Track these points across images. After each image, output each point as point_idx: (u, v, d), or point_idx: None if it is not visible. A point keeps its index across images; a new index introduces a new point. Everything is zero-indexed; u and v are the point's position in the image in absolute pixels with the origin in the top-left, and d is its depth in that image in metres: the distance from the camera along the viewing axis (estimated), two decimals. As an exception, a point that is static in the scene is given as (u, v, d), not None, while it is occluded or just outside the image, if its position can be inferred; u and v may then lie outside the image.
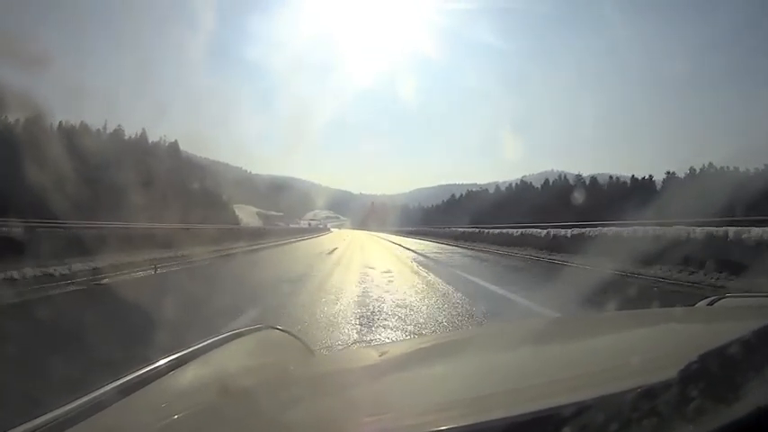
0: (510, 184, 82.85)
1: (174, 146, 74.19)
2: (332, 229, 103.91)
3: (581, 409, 0.45)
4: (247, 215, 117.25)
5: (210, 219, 30.49)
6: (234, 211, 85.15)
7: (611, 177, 71.00)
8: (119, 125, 64.49)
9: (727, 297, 1.37)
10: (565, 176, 74.41)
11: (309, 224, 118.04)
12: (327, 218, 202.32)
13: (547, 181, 73.57)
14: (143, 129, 68.57)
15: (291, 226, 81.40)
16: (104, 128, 61.02)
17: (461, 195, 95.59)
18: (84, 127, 53.61)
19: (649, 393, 0.44)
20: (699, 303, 1.32)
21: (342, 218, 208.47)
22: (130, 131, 66.73)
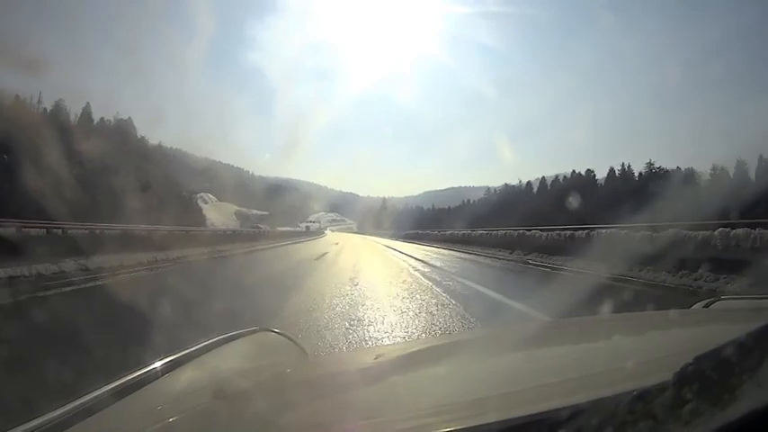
0: (558, 177, 69.88)
1: (126, 125, 57.87)
2: (326, 232, 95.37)
3: (576, 412, 0.44)
4: (222, 214, 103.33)
5: (154, 216, 24.60)
6: (200, 208, 71.59)
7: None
8: (59, 98, 50.54)
9: (723, 299, 1.38)
10: (625, 168, 61.71)
11: (308, 227, 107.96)
12: (333, 221, 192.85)
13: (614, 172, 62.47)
14: (87, 103, 54.69)
15: (281, 229, 70.52)
16: (39, 100, 46.46)
17: (497, 191, 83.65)
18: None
19: (644, 396, 0.44)
20: (694, 305, 1.33)
21: (348, 221, 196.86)
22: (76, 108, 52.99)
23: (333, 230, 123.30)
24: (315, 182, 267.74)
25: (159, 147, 65.27)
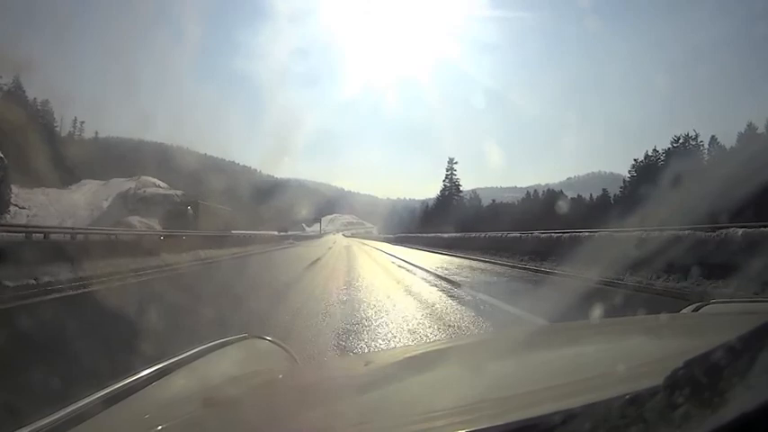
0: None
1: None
2: (327, 236, 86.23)
3: (568, 416, 0.44)
4: (96, 198, 54.48)
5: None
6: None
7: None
8: None
9: (712, 303, 1.38)
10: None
11: (306, 230, 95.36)
12: (350, 224, 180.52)
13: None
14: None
15: (251, 232, 39.09)
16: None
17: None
18: None
19: (636, 400, 0.44)
20: (684, 309, 1.34)
21: (367, 224, 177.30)
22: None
23: (343, 234, 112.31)
24: (331, 183, 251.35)
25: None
